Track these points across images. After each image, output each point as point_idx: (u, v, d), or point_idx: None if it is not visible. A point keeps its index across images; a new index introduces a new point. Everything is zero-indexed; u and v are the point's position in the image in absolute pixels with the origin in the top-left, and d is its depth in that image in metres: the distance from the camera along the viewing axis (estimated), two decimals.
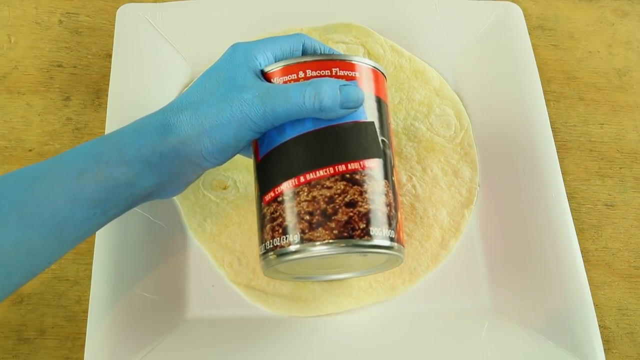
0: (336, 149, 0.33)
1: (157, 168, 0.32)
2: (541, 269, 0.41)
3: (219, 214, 0.43)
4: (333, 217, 0.32)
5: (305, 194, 0.32)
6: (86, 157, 0.31)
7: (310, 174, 0.33)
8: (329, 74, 0.34)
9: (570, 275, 0.40)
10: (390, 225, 0.33)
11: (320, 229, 0.32)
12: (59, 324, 0.40)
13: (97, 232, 0.40)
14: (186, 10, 0.49)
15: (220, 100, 0.32)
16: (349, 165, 0.33)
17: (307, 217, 0.32)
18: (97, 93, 0.48)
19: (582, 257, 0.41)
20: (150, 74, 0.46)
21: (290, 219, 0.33)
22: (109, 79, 0.45)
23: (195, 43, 0.48)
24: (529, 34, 0.50)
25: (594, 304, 0.40)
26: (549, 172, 0.44)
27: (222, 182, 0.44)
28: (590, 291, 0.40)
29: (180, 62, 0.48)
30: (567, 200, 0.43)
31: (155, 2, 0.50)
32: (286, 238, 0.33)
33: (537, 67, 0.49)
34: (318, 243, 0.32)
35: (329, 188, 0.32)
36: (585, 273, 0.41)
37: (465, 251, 0.44)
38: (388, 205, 0.34)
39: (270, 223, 0.34)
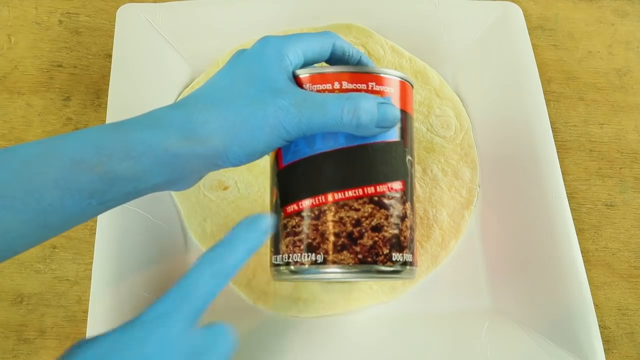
0: (367, 170, 0.32)
1: (169, 167, 0.30)
2: (541, 269, 0.41)
3: (219, 215, 0.43)
4: (359, 241, 0.32)
5: (332, 213, 0.32)
6: (85, 146, 0.29)
7: (339, 194, 0.32)
8: (365, 88, 0.33)
9: (570, 275, 0.40)
10: (409, 248, 0.33)
11: (345, 252, 0.32)
12: (59, 324, 0.40)
13: (97, 232, 0.40)
14: (186, 10, 0.49)
15: (253, 102, 0.31)
16: (377, 187, 0.32)
17: (333, 239, 0.32)
18: (97, 93, 0.48)
19: (582, 257, 0.41)
20: (150, 74, 0.46)
21: (313, 237, 0.32)
22: (109, 79, 0.45)
23: (195, 43, 0.48)
24: (529, 34, 0.50)
25: (594, 304, 0.40)
26: (549, 172, 0.44)
27: (223, 182, 0.44)
28: (590, 291, 0.40)
29: (180, 62, 0.48)
30: (567, 200, 0.43)
31: (155, 2, 0.50)
32: (308, 256, 0.32)
33: (537, 67, 0.49)
34: (341, 266, 0.32)
35: (357, 210, 0.32)
36: (585, 273, 0.41)
37: (465, 252, 0.44)
38: (409, 228, 0.34)
39: (290, 236, 0.33)
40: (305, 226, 0.32)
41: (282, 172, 0.34)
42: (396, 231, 0.33)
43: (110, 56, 0.48)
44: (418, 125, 0.47)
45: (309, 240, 0.32)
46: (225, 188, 0.44)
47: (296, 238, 0.33)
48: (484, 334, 0.40)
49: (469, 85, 0.50)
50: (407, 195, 0.34)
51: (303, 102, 0.31)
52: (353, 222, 0.32)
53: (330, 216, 0.32)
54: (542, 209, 0.43)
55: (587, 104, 0.52)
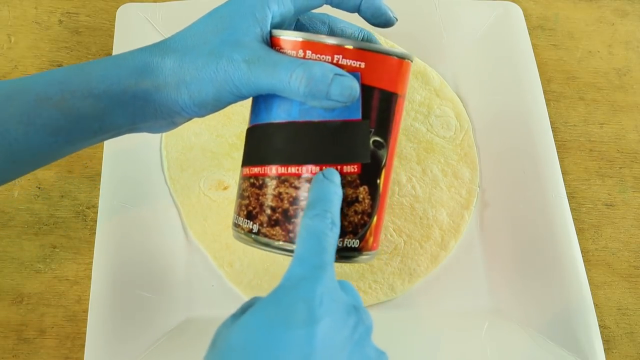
0: (315, 148, 0.31)
1: (130, 108, 0.31)
2: (541, 269, 0.41)
3: (219, 214, 0.43)
4: (293, 220, 0.31)
5: (273, 187, 0.31)
6: (50, 83, 0.30)
7: (282, 168, 0.31)
8: (330, 60, 0.30)
9: (570, 275, 0.41)
10: (355, 234, 0.32)
11: (277, 227, 0.31)
12: (59, 323, 0.40)
13: (97, 232, 0.40)
14: (186, 10, 0.49)
15: (209, 53, 0.30)
16: (323, 168, 0.31)
17: (269, 212, 0.31)
18: None
19: (582, 257, 0.41)
20: None
21: (254, 206, 0.32)
22: None
23: None
24: (529, 34, 0.50)
25: (594, 304, 0.40)
26: (549, 172, 0.44)
27: (223, 182, 0.44)
28: (590, 291, 0.40)
29: None
30: (567, 200, 0.43)
31: (155, 1, 0.50)
32: (247, 223, 0.32)
33: (537, 67, 0.49)
34: (271, 241, 0.31)
35: (297, 188, 0.31)
36: (585, 273, 0.41)
37: (465, 252, 0.44)
38: (360, 212, 0.32)
39: (240, 199, 0.33)
40: (250, 193, 0.32)
41: (247, 132, 0.34)
42: None
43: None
44: (418, 126, 0.47)
45: (250, 208, 0.32)
46: (225, 188, 0.44)
47: (243, 202, 0.33)
48: (484, 334, 0.40)
49: (469, 85, 0.50)
50: (364, 178, 0.32)
51: (256, 59, 0.29)
52: (291, 199, 0.31)
53: (270, 189, 0.31)
54: (542, 209, 0.43)
55: (587, 103, 0.52)
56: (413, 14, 0.51)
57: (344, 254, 0.32)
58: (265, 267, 0.42)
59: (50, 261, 0.42)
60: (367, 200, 0.32)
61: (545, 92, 0.48)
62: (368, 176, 0.32)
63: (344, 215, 0.31)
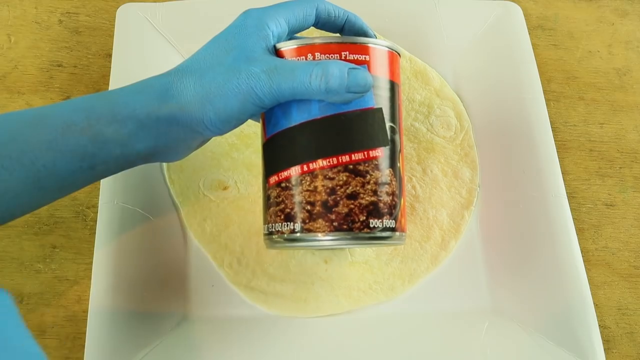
0: (341, 138, 0.33)
1: (153, 131, 0.32)
2: (541, 269, 0.41)
3: (219, 215, 0.43)
4: (333, 209, 0.32)
5: (308, 183, 0.33)
6: (75, 110, 0.31)
7: (313, 164, 0.33)
8: (338, 58, 0.33)
9: (570, 275, 0.40)
10: (391, 214, 0.34)
11: (320, 220, 0.33)
12: (59, 323, 0.40)
13: (97, 232, 0.40)
14: (186, 10, 0.49)
15: (228, 70, 0.32)
16: (352, 156, 0.33)
17: (308, 207, 0.33)
18: None
19: (582, 257, 0.41)
20: (150, 74, 0.45)
21: (291, 206, 0.33)
22: (109, 79, 0.45)
23: (195, 43, 0.47)
24: (529, 34, 0.50)
25: (594, 304, 0.40)
26: (549, 172, 0.44)
27: (222, 182, 0.44)
28: (590, 291, 0.40)
29: (180, 61, 0.48)
30: (567, 200, 0.43)
31: (155, 1, 0.50)
32: (287, 225, 0.33)
33: (537, 67, 0.49)
34: (318, 234, 0.33)
35: (331, 179, 0.33)
36: (585, 273, 0.41)
37: (465, 252, 0.44)
38: (390, 194, 0.34)
39: (273, 207, 0.34)
40: (284, 196, 0.33)
41: (265, 145, 0.35)
42: (373, 198, 0.33)
43: (110, 56, 0.48)
44: (418, 126, 0.47)
45: (288, 210, 0.33)
46: (225, 188, 0.44)
47: (277, 208, 0.34)
48: (484, 334, 0.40)
49: (469, 85, 0.50)
50: (388, 161, 0.34)
51: (274, 68, 0.31)
52: (328, 190, 0.33)
53: (305, 186, 0.33)
54: (542, 208, 0.43)
55: (587, 103, 0.52)
56: (413, 14, 0.51)
57: (385, 234, 0.33)
58: (264, 269, 0.42)
59: (50, 261, 0.42)
60: (394, 182, 0.34)
61: (545, 92, 0.48)
62: (390, 160, 0.34)
63: (378, 197, 0.33)
